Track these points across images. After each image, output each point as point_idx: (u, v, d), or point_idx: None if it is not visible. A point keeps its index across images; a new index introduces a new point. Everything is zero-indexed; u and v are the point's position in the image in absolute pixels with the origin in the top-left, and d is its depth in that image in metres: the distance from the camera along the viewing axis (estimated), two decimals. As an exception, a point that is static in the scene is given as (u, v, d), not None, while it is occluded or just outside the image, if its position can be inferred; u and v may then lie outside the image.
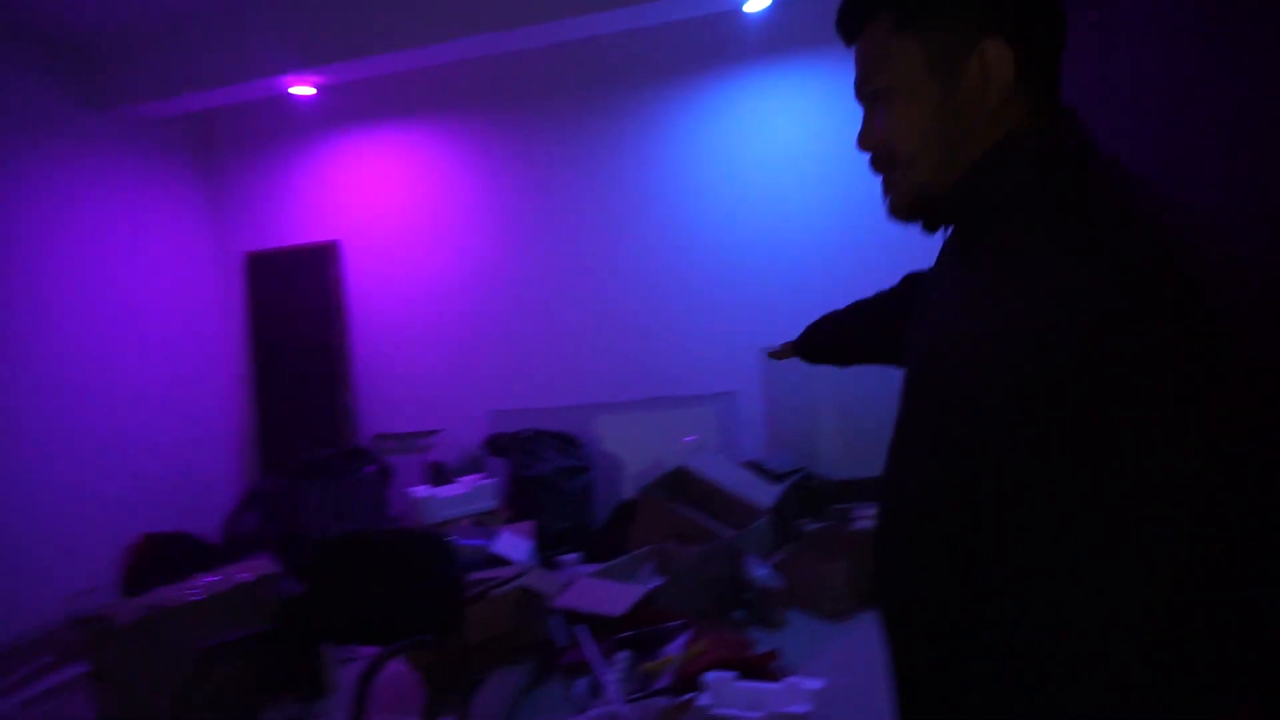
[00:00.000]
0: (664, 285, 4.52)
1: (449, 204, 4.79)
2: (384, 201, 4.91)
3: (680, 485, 3.92)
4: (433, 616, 1.87)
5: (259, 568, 3.13)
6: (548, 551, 3.88)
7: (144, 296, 4.67)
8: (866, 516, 3.55)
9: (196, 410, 4.93)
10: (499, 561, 3.46)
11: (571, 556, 3.84)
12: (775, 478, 4.00)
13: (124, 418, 4.45)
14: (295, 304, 4.99)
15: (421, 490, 4.05)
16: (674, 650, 2.79)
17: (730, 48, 4.36)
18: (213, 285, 5.18)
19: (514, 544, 3.57)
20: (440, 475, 4.29)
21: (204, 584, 3.00)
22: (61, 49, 4.32)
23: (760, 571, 3.43)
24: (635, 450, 4.55)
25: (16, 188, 4.05)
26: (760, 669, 2.67)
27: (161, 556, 4.29)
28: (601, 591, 3.21)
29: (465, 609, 1.92)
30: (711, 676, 2.55)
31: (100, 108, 4.45)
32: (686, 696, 2.53)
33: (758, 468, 4.04)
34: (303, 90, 4.50)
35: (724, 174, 4.38)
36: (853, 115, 0.95)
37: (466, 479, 4.17)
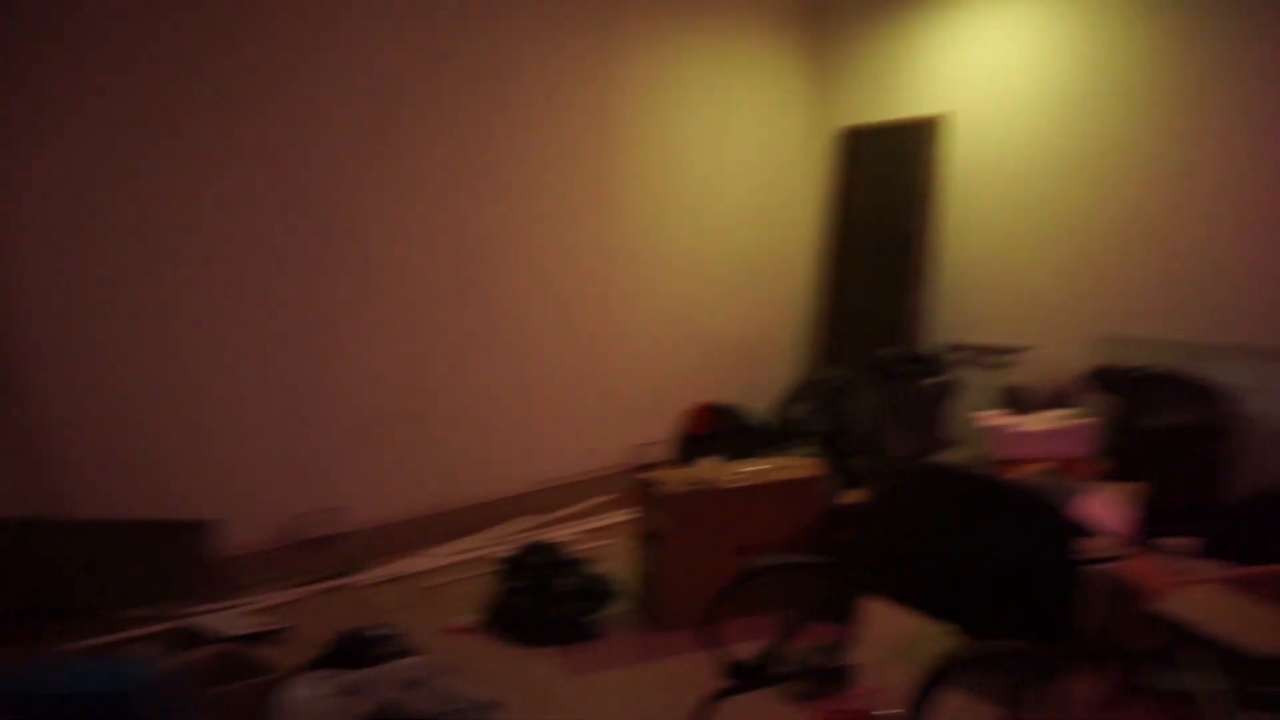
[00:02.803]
0: None
1: (1086, 69, 3.79)
2: (1003, 69, 4.07)
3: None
4: (1038, 618, 1.32)
5: (804, 467, 2.87)
6: (1152, 528, 2.99)
7: (743, 165, 4.67)
8: None
9: (770, 287, 4.88)
10: (1085, 529, 2.71)
11: (1184, 542, 2.89)
12: None
13: (700, 286, 4.57)
14: (888, 187, 4.54)
15: (994, 416, 3.41)
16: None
17: None
18: (809, 160, 4.97)
19: (1108, 509, 2.77)
20: (1019, 402, 3.58)
21: (748, 471, 2.84)
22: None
23: None
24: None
25: (649, 53, 4.21)
26: None
27: (715, 425, 4.37)
28: (1240, 611, 2.30)
29: (1076, 617, 1.33)
30: None
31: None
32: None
33: None
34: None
35: None
36: None
37: (1051, 413, 3.41)
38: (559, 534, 3.73)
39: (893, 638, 2.55)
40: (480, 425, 3.91)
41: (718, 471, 2.94)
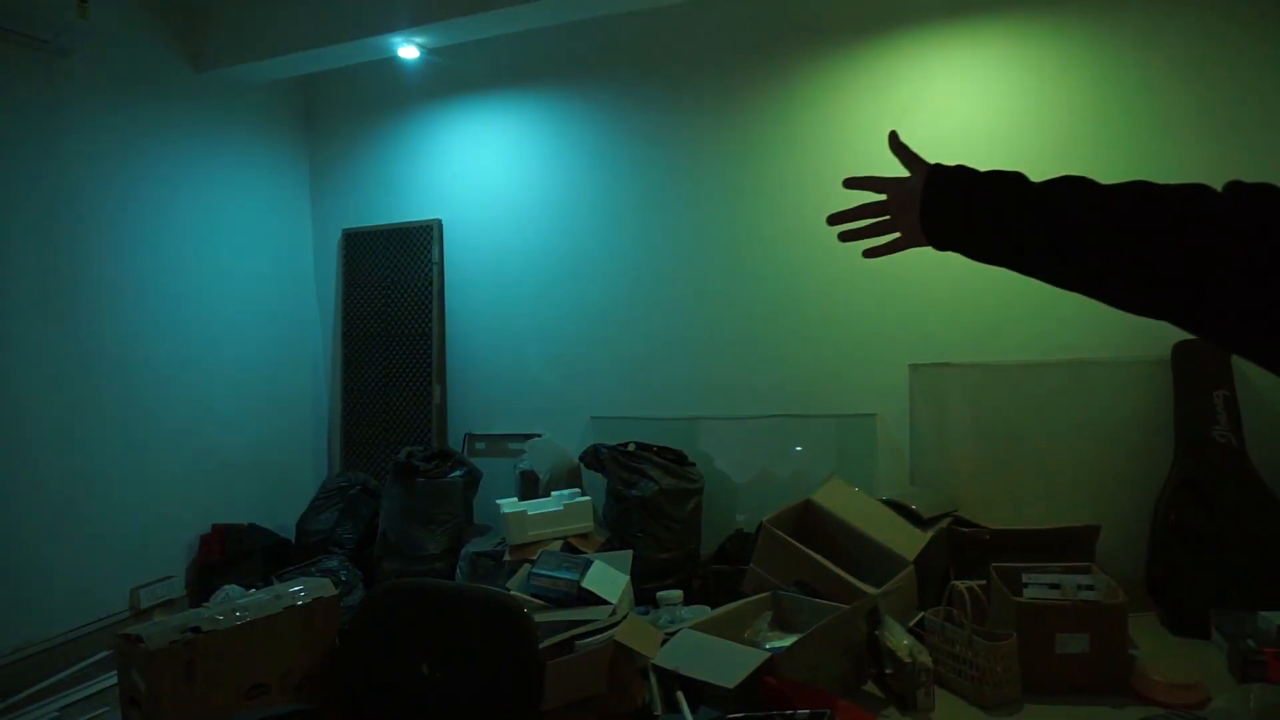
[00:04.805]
0: (799, 291, 3.92)
1: (561, 184, 4.32)
2: (490, 178, 4.47)
3: (807, 521, 3.34)
4: (503, 712, 1.39)
5: (317, 587, 2.72)
6: (647, 586, 3.37)
7: (240, 269, 4.40)
8: (1038, 583, 2.89)
9: (282, 394, 4.63)
10: (590, 598, 2.96)
11: (674, 594, 3.30)
12: (921, 522, 3.36)
13: (207, 397, 4.17)
14: (393, 288, 4.62)
15: (510, 503, 3.60)
16: (801, 745, 2.22)
17: (901, 3, 3.70)
18: (309, 262, 4.88)
19: (608, 578, 3.06)
20: (532, 487, 3.83)
21: (256, 601, 2.61)
22: (167, 5, 4.06)
23: (903, 639, 2.82)
24: (752, 474, 3.99)
25: (117, 149, 3.80)
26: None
27: (233, 550, 4.00)
28: (709, 651, 2.67)
29: (539, 705, 1.42)
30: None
31: (204, 69, 4.18)
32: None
33: (899, 507, 3.41)
34: (409, 53, 4.11)
35: (881, 161, 3.73)
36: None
37: (561, 493, 3.70)
38: (35, 715, 3.08)
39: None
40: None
41: (224, 606, 2.66)
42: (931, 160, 1.07)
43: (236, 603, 2.62)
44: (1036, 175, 1.01)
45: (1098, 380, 3.47)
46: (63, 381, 3.55)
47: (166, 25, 4.06)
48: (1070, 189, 0.91)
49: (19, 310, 3.41)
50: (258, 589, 2.98)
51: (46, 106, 3.52)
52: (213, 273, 4.23)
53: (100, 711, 3.09)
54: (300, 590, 2.72)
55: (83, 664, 3.47)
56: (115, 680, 3.24)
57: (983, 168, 1.03)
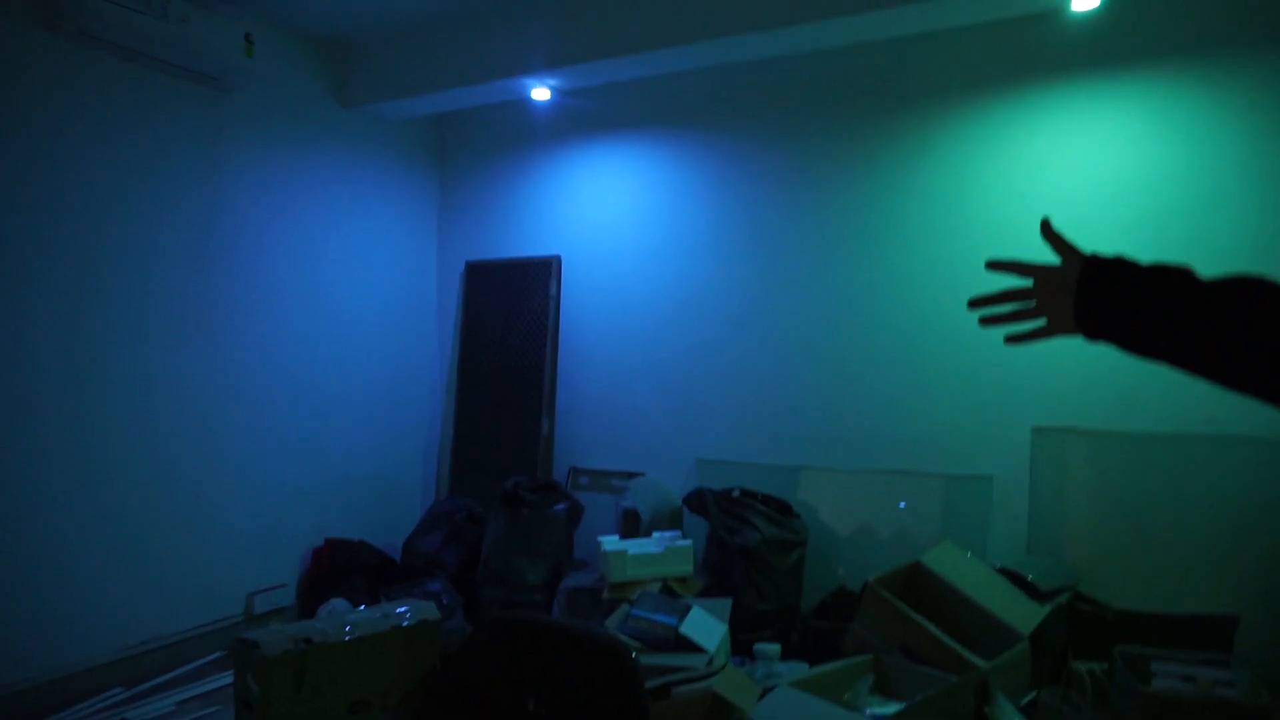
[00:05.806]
0: (917, 344, 3.82)
1: (679, 224, 4.36)
2: (609, 217, 4.56)
3: (915, 584, 3.21)
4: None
5: (421, 610, 2.78)
6: (744, 636, 3.30)
7: (370, 294, 4.61)
8: (1169, 674, 2.68)
9: (398, 416, 4.80)
10: (687, 645, 2.91)
11: (772, 648, 3.22)
12: (1038, 594, 3.19)
13: (329, 414, 4.36)
14: (510, 319, 4.74)
15: (611, 541, 3.60)
16: (901, 822, 2.11)
17: (1041, 56, 3.60)
18: (432, 292, 5.07)
19: (706, 625, 3.01)
20: (633, 526, 3.82)
21: (361, 619, 2.69)
22: (321, 45, 4.34)
23: (1015, 719, 2.66)
24: (852, 527, 3.87)
25: (268, 178, 4.07)
26: None
27: (342, 564, 4.14)
28: (808, 711, 2.58)
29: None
30: None
31: (350, 105, 4.43)
32: None
33: (1015, 578, 3.24)
34: (541, 94, 4.26)
35: (1011, 215, 3.62)
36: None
37: (662, 535, 3.68)
38: (155, 707, 3.25)
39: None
40: (45, 583, 3.29)
41: (333, 620, 2.75)
42: (1078, 238, 1.03)
43: (346, 618, 2.70)
44: (1182, 239, 0.95)
45: (1244, 458, 3.23)
46: (203, 389, 3.79)
47: (320, 63, 4.33)
48: (1248, 292, 0.84)
49: (174, 321, 3.67)
50: (365, 606, 3.07)
51: (211, 137, 3.80)
52: (345, 296, 4.45)
53: (212, 710, 3.22)
54: (406, 611, 2.78)
55: (199, 662, 3.65)
56: (227, 680, 3.40)
57: (1131, 243, 0.98)
